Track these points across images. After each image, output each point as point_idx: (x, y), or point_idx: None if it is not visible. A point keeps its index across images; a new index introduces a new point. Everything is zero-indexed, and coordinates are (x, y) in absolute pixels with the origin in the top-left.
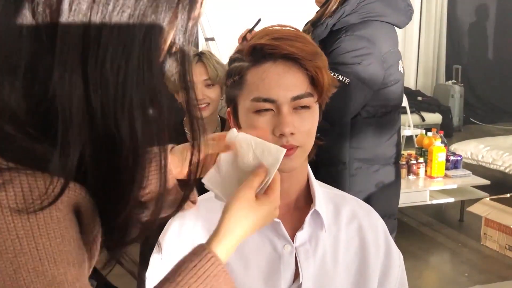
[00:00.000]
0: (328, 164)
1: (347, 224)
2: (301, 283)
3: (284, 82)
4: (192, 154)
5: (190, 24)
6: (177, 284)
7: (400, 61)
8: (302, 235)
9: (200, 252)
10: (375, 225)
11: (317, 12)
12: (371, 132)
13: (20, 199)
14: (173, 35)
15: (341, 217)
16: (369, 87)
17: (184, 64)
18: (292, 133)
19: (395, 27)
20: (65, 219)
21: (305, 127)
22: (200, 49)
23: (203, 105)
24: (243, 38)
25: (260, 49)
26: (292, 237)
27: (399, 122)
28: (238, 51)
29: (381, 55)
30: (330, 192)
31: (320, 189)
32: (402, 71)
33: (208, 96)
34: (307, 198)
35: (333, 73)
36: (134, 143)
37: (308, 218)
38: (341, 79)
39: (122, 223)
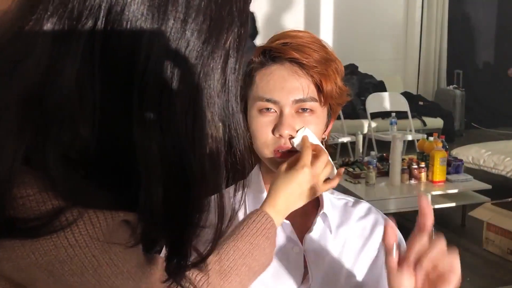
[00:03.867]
0: None
1: (354, 227)
2: (310, 284)
3: (287, 85)
4: (236, 188)
5: (238, 65)
6: (242, 235)
7: None
8: (310, 238)
9: (255, 212)
10: (383, 224)
11: None
12: None
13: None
14: (226, 76)
15: (348, 220)
16: None
17: (232, 101)
18: (291, 135)
19: None
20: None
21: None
22: None
23: None
24: None
25: (268, 52)
26: (301, 240)
27: None
28: (254, 55)
29: None
30: (337, 198)
31: (328, 195)
32: None
33: None
34: (315, 203)
35: None
36: (203, 176)
37: (316, 220)
38: None
39: (184, 249)
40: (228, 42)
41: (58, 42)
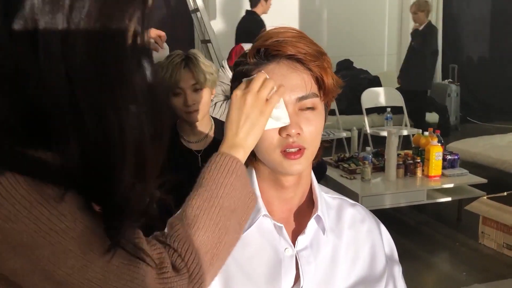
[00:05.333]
0: None
1: (348, 230)
2: (302, 286)
3: (288, 83)
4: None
5: (146, 21)
6: (202, 184)
7: None
8: (303, 240)
9: (212, 157)
10: (377, 231)
11: None
12: None
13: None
14: (135, 31)
15: (343, 222)
16: None
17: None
18: (298, 134)
19: None
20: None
21: (311, 128)
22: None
23: (193, 110)
24: None
25: (264, 51)
26: (294, 241)
27: None
28: (242, 55)
29: None
30: (332, 197)
31: (322, 195)
32: None
33: (197, 101)
34: (309, 203)
35: None
36: (123, 136)
37: (310, 222)
38: None
39: (117, 204)
40: (133, 15)
41: None
